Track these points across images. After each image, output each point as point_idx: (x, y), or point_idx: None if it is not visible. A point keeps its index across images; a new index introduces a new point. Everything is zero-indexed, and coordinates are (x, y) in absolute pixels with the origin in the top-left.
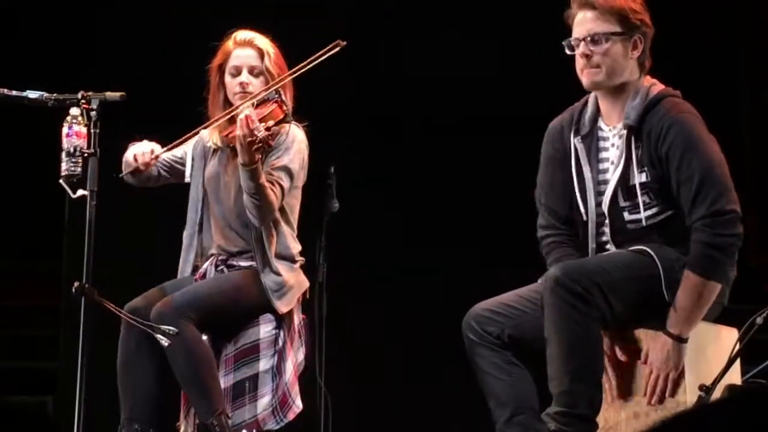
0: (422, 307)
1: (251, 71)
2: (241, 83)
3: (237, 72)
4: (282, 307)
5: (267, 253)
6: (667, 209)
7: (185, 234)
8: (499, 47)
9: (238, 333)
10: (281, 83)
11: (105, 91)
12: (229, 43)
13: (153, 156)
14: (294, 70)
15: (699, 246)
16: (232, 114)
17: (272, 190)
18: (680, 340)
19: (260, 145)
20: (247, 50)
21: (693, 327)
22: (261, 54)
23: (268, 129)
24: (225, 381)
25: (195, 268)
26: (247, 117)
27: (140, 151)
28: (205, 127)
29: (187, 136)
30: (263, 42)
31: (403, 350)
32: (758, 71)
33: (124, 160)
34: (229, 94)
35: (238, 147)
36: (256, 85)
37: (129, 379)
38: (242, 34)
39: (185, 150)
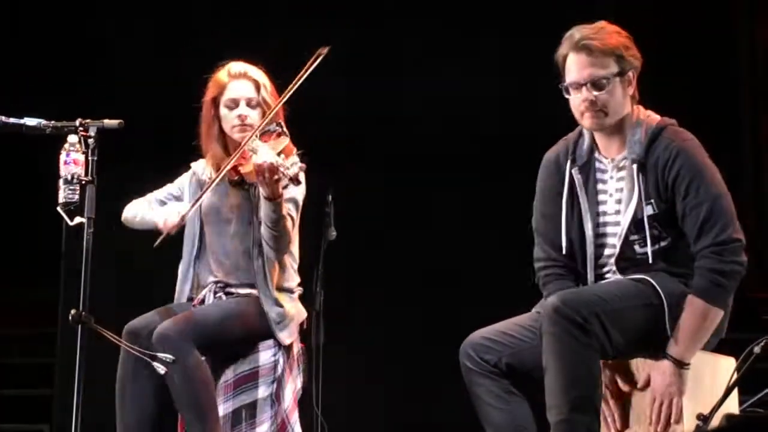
0: (418, 336)
1: (248, 103)
2: (239, 116)
3: (234, 104)
4: (285, 338)
5: (269, 285)
6: (673, 239)
7: (181, 266)
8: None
9: (238, 359)
10: (278, 106)
11: (103, 119)
12: (223, 76)
13: (180, 219)
14: (287, 91)
15: (705, 272)
16: (242, 149)
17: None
18: (682, 364)
19: (288, 182)
20: (243, 82)
21: (694, 352)
22: (257, 86)
23: (297, 165)
24: (224, 407)
25: (190, 300)
26: (271, 164)
27: (166, 217)
28: (218, 176)
29: (207, 187)
30: (258, 74)
31: (399, 378)
32: (757, 100)
33: (151, 223)
34: (226, 127)
35: (262, 184)
36: (253, 117)
37: (127, 400)
38: (236, 66)
39: (180, 185)
